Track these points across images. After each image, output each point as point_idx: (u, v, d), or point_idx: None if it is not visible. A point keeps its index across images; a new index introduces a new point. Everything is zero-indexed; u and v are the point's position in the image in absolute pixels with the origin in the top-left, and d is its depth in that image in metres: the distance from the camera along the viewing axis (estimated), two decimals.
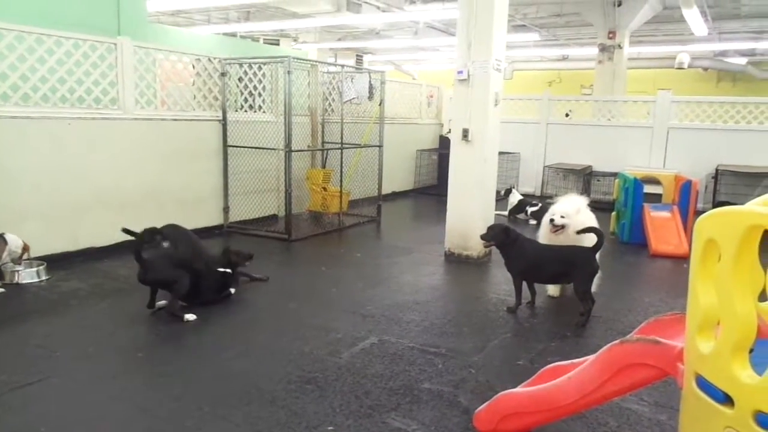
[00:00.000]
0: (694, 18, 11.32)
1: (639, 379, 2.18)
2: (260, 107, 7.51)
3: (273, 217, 7.63)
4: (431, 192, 10.80)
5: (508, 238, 4.55)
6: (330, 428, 2.80)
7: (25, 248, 4.93)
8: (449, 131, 7.59)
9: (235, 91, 7.24)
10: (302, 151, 7.70)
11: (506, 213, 8.74)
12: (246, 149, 6.98)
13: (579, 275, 4.34)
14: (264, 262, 5.74)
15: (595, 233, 4.34)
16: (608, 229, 7.61)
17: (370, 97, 8.46)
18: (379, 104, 8.19)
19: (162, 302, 4.28)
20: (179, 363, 3.52)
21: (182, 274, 4.23)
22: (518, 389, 2.67)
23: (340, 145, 7.86)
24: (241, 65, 7.22)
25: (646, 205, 7.10)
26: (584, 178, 10.36)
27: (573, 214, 4.76)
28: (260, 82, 7.45)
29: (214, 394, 3.12)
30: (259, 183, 7.32)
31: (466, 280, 5.60)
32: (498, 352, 3.82)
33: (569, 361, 2.61)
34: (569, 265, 4.39)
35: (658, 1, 12.58)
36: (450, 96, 8.29)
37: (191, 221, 6.47)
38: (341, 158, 7.83)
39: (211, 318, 4.24)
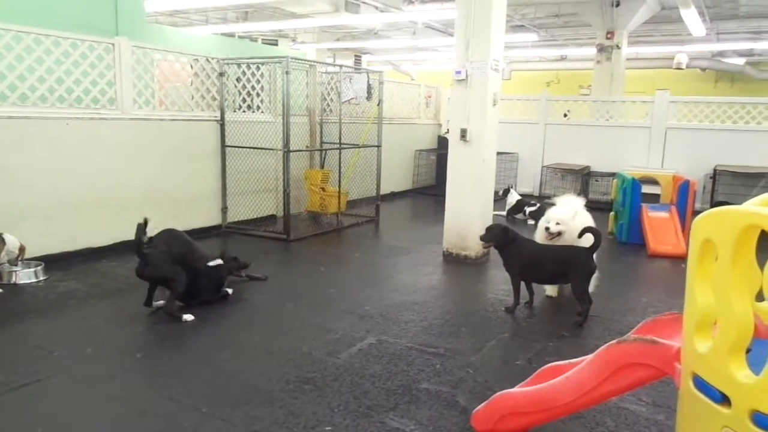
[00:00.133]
0: (692, 18, 11.34)
1: (636, 379, 2.18)
2: (258, 107, 7.51)
3: (271, 218, 7.63)
4: (429, 192, 10.81)
5: (507, 238, 4.55)
6: (328, 428, 2.80)
7: (22, 249, 4.92)
8: (447, 131, 7.60)
9: (233, 92, 7.23)
10: (300, 151, 7.69)
11: (504, 213, 8.75)
12: (244, 149, 6.97)
13: (576, 275, 4.35)
14: (262, 262, 5.74)
15: (593, 233, 4.34)
16: (606, 229, 7.62)
17: (369, 97, 8.47)
18: (378, 104, 8.19)
19: (160, 302, 4.28)
20: (177, 363, 3.52)
21: (180, 272, 4.23)
22: (516, 389, 2.67)
23: (338, 146, 7.86)
24: (239, 65, 7.21)
25: (644, 206, 7.11)
26: (582, 179, 10.37)
27: (568, 220, 4.73)
28: (258, 82, 7.44)
29: (212, 394, 3.12)
30: (258, 183, 7.32)
31: (465, 280, 5.61)
32: (496, 352, 3.82)
33: (567, 361, 2.62)
34: (567, 265, 4.39)
35: (656, 1, 12.60)
36: (448, 96, 8.30)
37: (189, 221, 6.49)
38: (339, 158, 7.83)
39: (210, 318, 4.24)
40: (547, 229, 4.75)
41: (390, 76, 12.21)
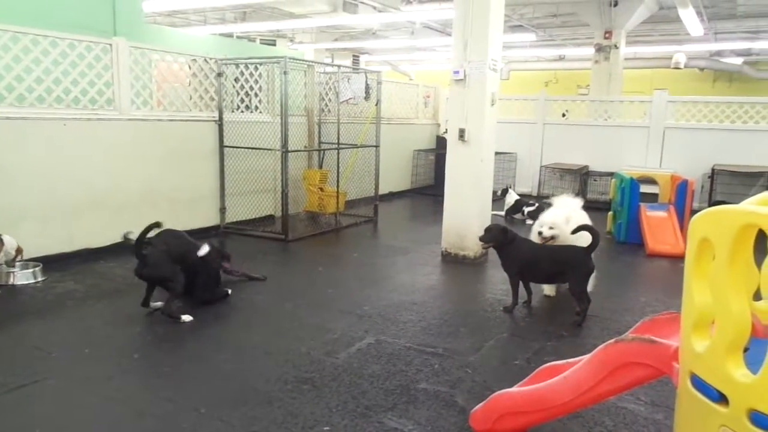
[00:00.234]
0: (690, 18, 11.35)
1: (635, 378, 2.18)
2: (256, 108, 7.50)
3: (270, 218, 7.63)
4: (428, 192, 10.81)
5: (506, 238, 4.55)
6: (326, 428, 2.80)
7: (19, 251, 4.92)
8: (446, 131, 7.60)
9: (231, 92, 7.23)
10: (299, 151, 7.69)
11: (503, 213, 8.75)
12: (242, 150, 6.97)
13: (574, 275, 4.35)
14: (261, 262, 5.74)
15: (591, 233, 4.35)
16: (605, 228, 7.63)
17: (367, 97, 8.46)
18: (376, 104, 8.19)
19: (158, 303, 4.27)
20: (175, 364, 3.51)
21: (178, 272, 4.23)
22: (514, 389, 2.67)
23: (336, 146, 7.86)
24: (237, 66, 7.20)
25: (642, 205, 7.12)
26: (581, 178, 10.37)
27: (561, 224, 4.73)
28: (256, 82, 7.44)
29: (211, 394, 3.11)
30: (256, 183, 7.31)
31: (463, 280, 5.61)
32: (494, 352, 3.82)
33: (565, 361, 2.62)
34: (565, 264, 4.39)
35: (654, 1, 12.60)
36: (447, 96, 8.30)
37: (188, 222, 6.48)
38: (338, 158, 7.83)
39: (208, 319, 4.23)
40: (540, 233, 4.75)
41: (388, 76, 12.20)
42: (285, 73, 6.51)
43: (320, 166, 8.30)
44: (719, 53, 18.27)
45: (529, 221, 8.16)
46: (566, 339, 4.08)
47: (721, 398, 1.73)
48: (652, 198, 7.92)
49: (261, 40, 17.71)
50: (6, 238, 4.84)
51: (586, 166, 10.49)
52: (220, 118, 6.93)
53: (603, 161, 10.30)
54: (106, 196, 5.85)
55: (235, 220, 7.21)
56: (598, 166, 10.36)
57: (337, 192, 7.75)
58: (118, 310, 4.37)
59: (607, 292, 5.09)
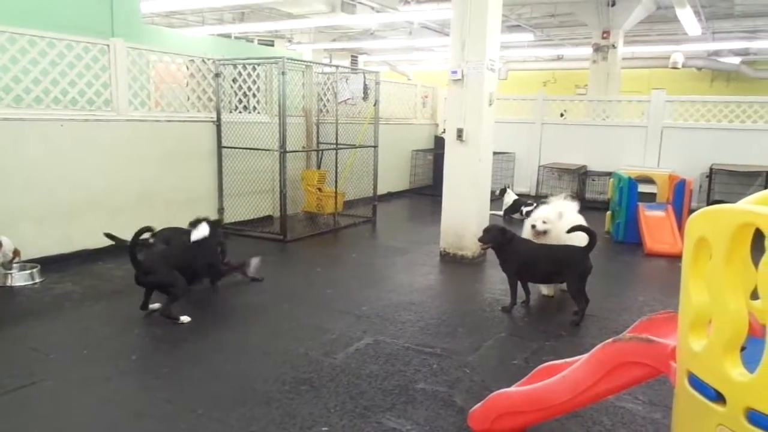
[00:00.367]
0: (687, 18, 11.36)
1: (632, 378, 2.18)
2: (255, 108, 7.50)
3: (268, 218, 7.62)
4: (426, 192, 10.81)
5: (504, 238, 4.56)
6: (324, 429, 2.79)
7: (16, 252, 4.91)
8: (444, 131, 7.60)
9: (229, 92, 7.22)
10: (297, 151, 7.69)
11: (501, 213, 8.75)
12: (240, 150, 6.96)
13: (572, 274, 4.35)
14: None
15: (588, 233, 4.35)
16: (603, 228, 7.63)
17: (365, 97, 8.46)
18: (374, 105, 8.19)
19: (155, 305, 4.26)
20: (173, 365, 3.51)
21: (179, 277, 4.22)
22: (512, 388, 2.67)
23: (335, 146, 7.85)
24: (235, 66, 7.20)
25: (640, 205, 7.12)
26: (579, 178, 10.38)
27: (555, 219, 4.76)
28: (254, 83, 7.44)
29: (209, 395, 3.11)
30: (254, 184, 7.31)
31: (461, 279, 5.61)
32: (493, 352, 3.82)
33: (563, 360, 2.62)
34: (563, 264, 4.40)
35: (652, 0, 12.62)
36: (445, 96, 8.30)
37: (185, 222, 6.45)
38: (336, 159, 7.82)
39: (206, 319, 4.23)
40: (533, 227, 4.79)
41: (386, 77, 12.21)
42: (283, 73, 6.51)
43: (318, 167, 8.29)
44: (717, 53, 18.29)
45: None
46: (564, 338, 4.08)
47: (719, 397, 1.73)
48: (650, 198, 7.92)
49: (259, 40, 17.70)
50: (3, 240, 4.83)
51: (585, 166, 10.49)
52: (218, 119, 6.92)
53: (601, 161, 10.30)
54: (104, 196, 5.84)
55: (233, 220, 7.20)
56: (597, 166, 10.37)
57: (336, 192, 7.74)
58: (116, 311, 4.36)
59: (606, 291, 5.10)
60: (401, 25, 15.71)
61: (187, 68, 6.82)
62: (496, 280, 5.33)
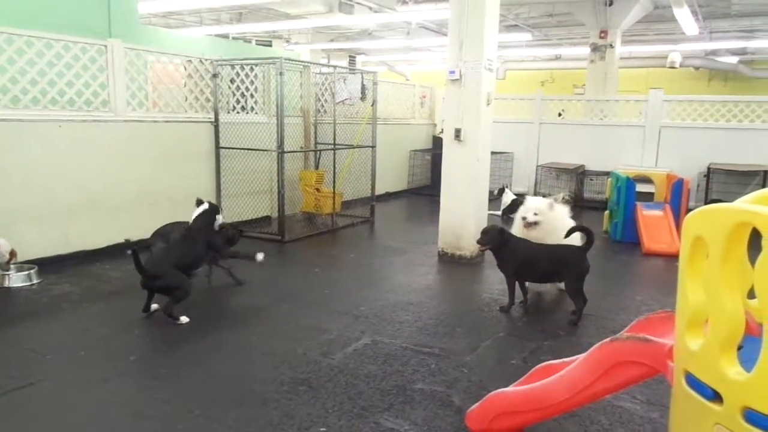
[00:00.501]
0: (685, 17, 11.38)
1: (630, 377, 2.19)
2: (252, 108, 7.49)
3: (266, 219, 7.61)
4: (425, 192, 10.81)
5: (502, 239, 4.56)
6: (322, 429, 2.79)
7: (13, 254, 4.90)
8: (442, 131, 7.60)
9: (227, 93, 7.22)
10: (295, 152, 7.69)
11: (499, 213, 8.75)
12: (238, 150, 6.96)
13: (570, 274, 4.36)
14: (257, 263, 5.71)
15: (585, 232, 4.36)
16: (601, 228, 7.64)
17: (363, 97, 8.46)
18: (372, 105, 8.19)
19: (155, 305, 4.25)
20: (171, 366, 3.50)
21: (184, 279, 4.21)
22: (510, 388, 2.67)
23: (332, 146, 7.85)
24: (232, 66, 7.20)
25: (638, 204, 7.13)
26: (577, 178, 10.38)
27: (546, 210, 4.79)
28: (252, 83, 7.43)
29: (207, 396, 3.11)
30: (252, 184, 7.30)
31: (459, 279, 5.61)
32: (491, 352, 3.83)
33: (561, 360, 2.62)
34: (561, 264, 4.41)
35: (649, 0, 12.63)
36: (443, 96, 8.30)
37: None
38: (334, 159, 7.82)
39: (204, 320, 4.23)
40: (524, 218, 4.80)
41: (384, 77, 12.20)
42: (281, 73, 6.50)
43: (316, 167, 8.29)
44: (714, 52, 18.32)
45: None
46: (562, 338, 4.08)
47: (716, 396, 1.73)
48: (648, 197, 7.93)
49: (257, 41, 17.68)
50: (0, 240, 4.82)
51: (583, 166, 10.50)
52: (216, 119, 6.92)
53: (599, 160, 10.31)
54: (102, 197, 5.83)
55: (231, 221, 7.17)
56: (595, 166, 10.37)
57: (334, 193, 7.74)
58: (114, 312, 4.36)
59: (604, 291, 5.10)
60: (399, 25, 15.71)
61: (185, 69, 6.81)
62: (494, 280, 5.33)
